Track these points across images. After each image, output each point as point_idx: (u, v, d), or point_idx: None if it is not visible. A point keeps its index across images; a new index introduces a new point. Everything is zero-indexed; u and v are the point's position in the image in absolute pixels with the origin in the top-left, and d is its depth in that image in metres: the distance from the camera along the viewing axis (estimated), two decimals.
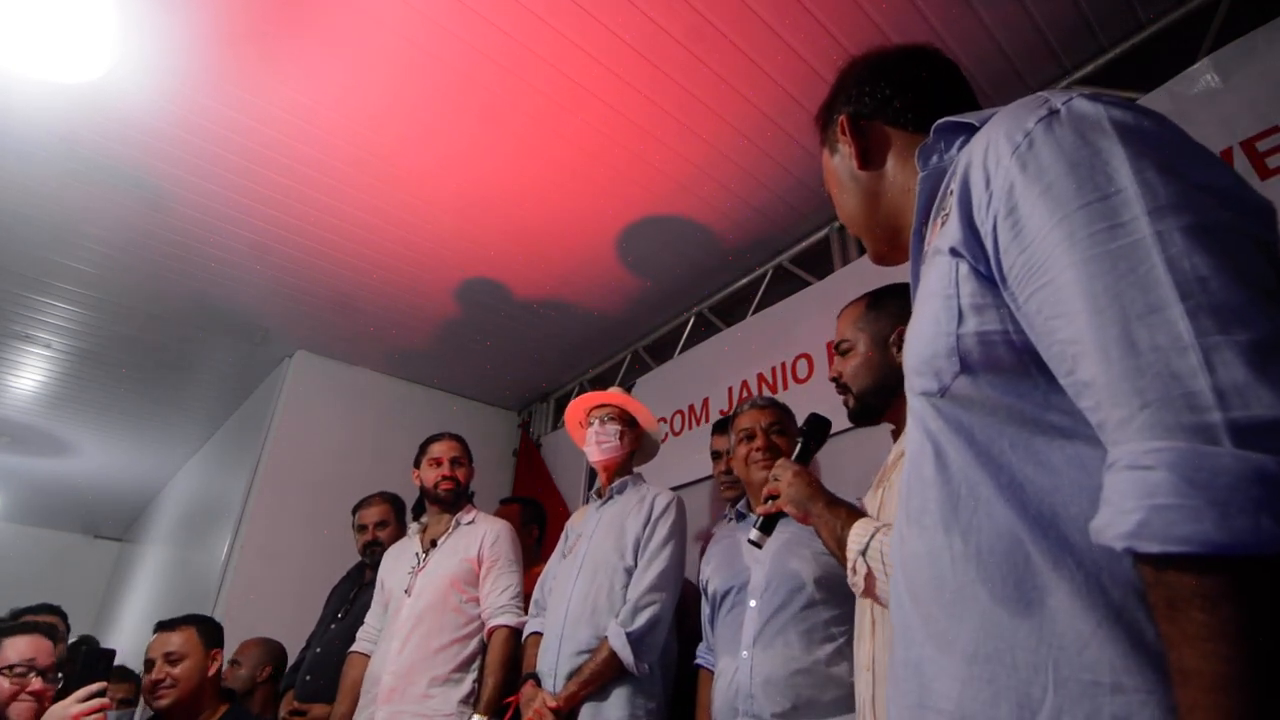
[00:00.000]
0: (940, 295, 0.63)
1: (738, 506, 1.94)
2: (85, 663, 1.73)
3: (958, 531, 0.60)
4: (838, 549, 1.21)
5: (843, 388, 1.40)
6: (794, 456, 1.41)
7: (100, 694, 1.64)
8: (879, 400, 1.30)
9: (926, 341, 0.65)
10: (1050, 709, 0.51)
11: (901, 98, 0.83)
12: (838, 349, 1.43)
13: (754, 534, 1.37)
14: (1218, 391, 0.42)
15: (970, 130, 0.68)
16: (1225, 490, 0.40)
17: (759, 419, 1.86)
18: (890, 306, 1.35)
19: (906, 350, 0.71)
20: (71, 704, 1.60)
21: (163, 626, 1.94)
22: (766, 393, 2.67)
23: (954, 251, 0.62)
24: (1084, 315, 0.49)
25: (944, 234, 0.65)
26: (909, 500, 0.68)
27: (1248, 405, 0.41)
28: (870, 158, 0.84)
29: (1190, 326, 0.44)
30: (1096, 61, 2.08)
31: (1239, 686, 0.39)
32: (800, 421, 1.48)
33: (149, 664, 1.85)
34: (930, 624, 0.62)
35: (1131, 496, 0.43)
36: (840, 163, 0.89)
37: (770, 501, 1.36)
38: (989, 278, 0.60)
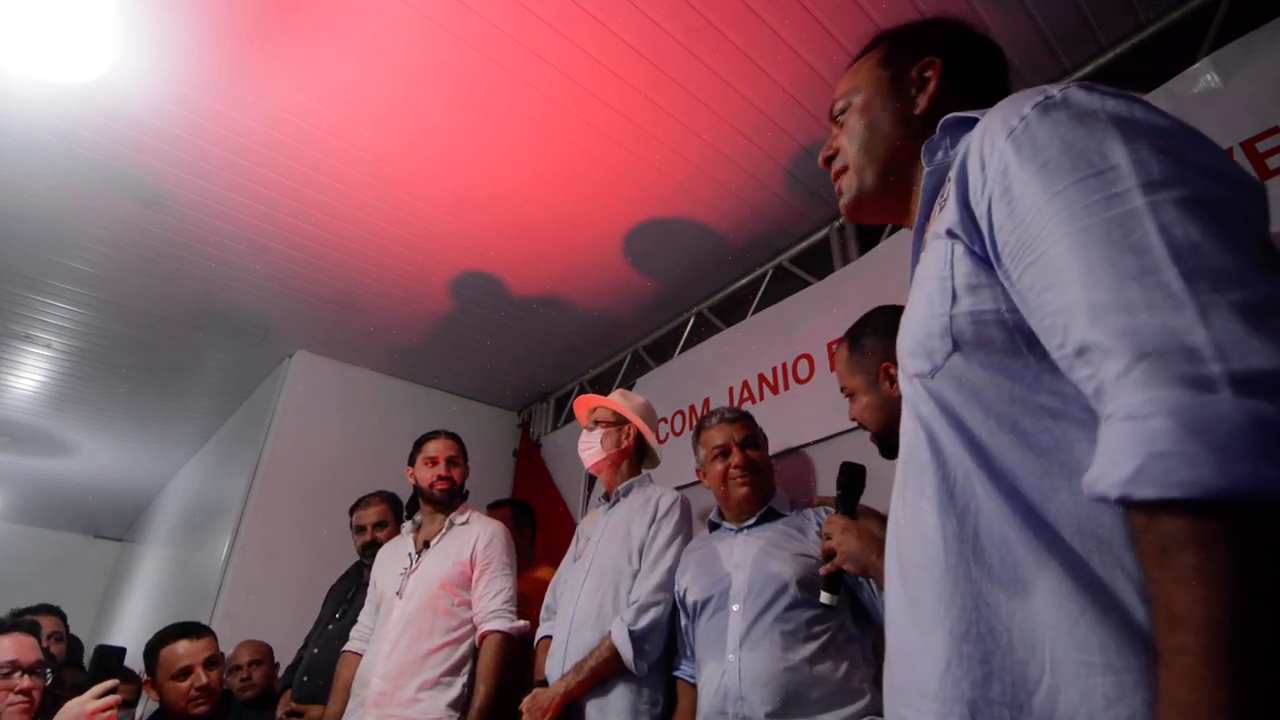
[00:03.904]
0: (935, 277, 0.64)
1: (710, 517, 1.93)
2: (98, 660, 1.76)
3: (953, 513, 0.61)
4: None
5: (863, 427, 1.43)
6: (838, 509, 1.45)
7: (113, 690, 1.67)
8: (892, 434, 1.33)
9: (921, 323, 0.65)
10: (1047, 688, 0.51)
11: (983, 85, 0.82)
12: (843, 392, 1.45)
13: (825, 597, 1.40)
14: (1216, 344, 0.42)
15: (974, 125, 0.69)
16: (1224, 436, 0.40)
17: (732, 433, 1.86)
18: (868, 345, 1.41)
19: (901, 336, 0.72)
20: (88, 700, 1.64)
21: (190, 632, 1.94)
22: (767, 393, 2.67)
23: (950, 234, 0.63)
24: (1078, 282, 0.50)
25: (942, 218, 0.66)
26: (905, 488, 0.69)
27: (1246, 358, 0.41)
28: (933, 112, 0.81)
29: (1186, 286, 0.44)
30: (1096, 61, 2.08)
31: (1229, 628, 0.39)
32: (837, 474, 1.50)
33: (185, 671, 1.85)
34: (918, 607, 0.63)
35: (1129, 445, 0.43)
36: (893, 91, 0.85)
37: (830, 560, 1.39)
38: (984, 258, 0.60)
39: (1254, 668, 0.38)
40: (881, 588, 1.30)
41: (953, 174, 0.65)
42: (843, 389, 1.46)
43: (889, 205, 0.87)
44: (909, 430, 0.70)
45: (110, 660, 1.76)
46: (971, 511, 0.59)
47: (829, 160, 0.92)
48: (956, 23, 0.89)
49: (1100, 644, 0.49)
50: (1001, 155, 0.58)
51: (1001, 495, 0.57)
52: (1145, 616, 0.48)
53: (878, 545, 1.34)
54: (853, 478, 1.47)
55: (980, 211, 0.60)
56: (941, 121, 0.73)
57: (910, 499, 0.68)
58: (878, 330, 1.39)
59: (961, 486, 0.61)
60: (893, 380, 1.33)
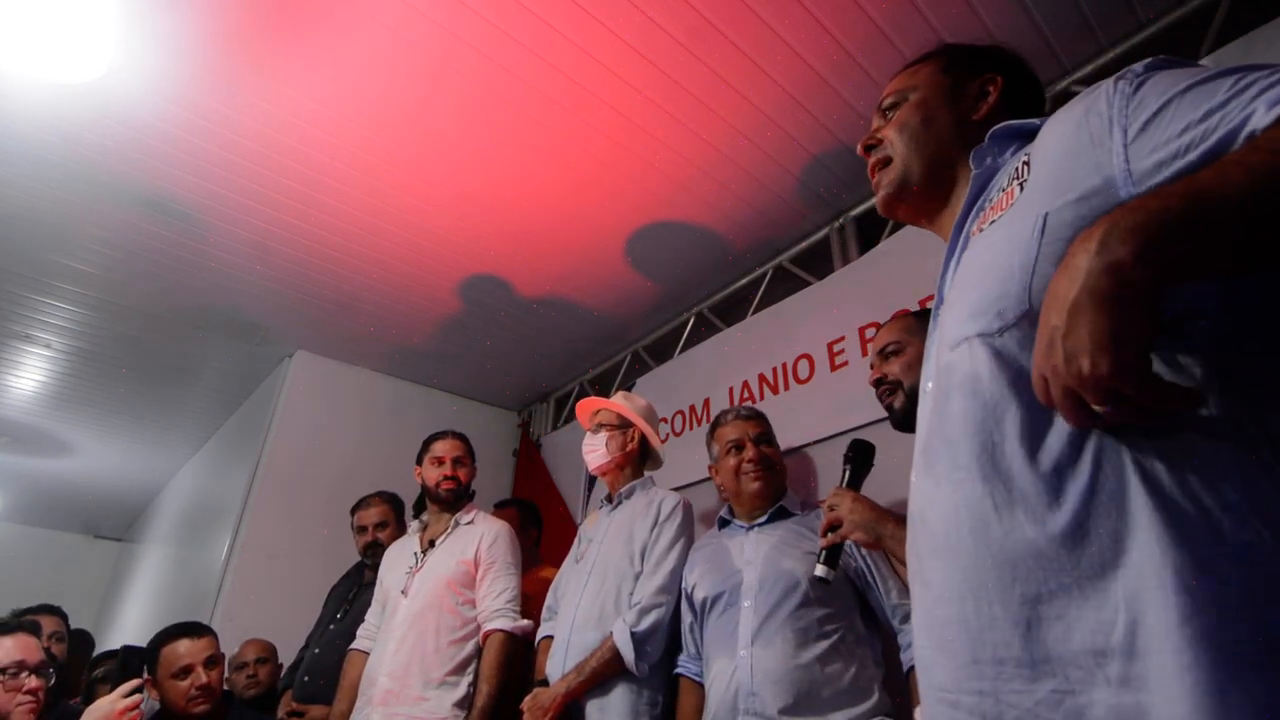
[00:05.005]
0: (1016, 251, 0.67)
1: (720, 514, 1.94)
2: (124, 660, 1.83)
3: (999, 479, 0.63)
4: None
5: (890, 387, 1.42)
6: (844, 484, 1.44)
7: (138, 689, 1.73)
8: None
9: (995, 284, 0.68)
10: (1124, 626, 0.54)
11: (1027, 111, 0.89)
12: (883, 353, 1.45)
13: (820, 569, 1.41)
14: None
15: (1026, 134, 0.76)
16: None
17: (747, 429, 1.87)
18: None
19: (955, 303, 0.75)
20: (117, 699, 1.69)
21: (191, 631, 1.96)
22: (767, 393, 2.67)
23: (1036, 209, 0.67)
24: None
25: (1023, 201, 0.71)
26: (934, 464, 0.71)
27: None
28: (986, 121, 0.88)
29: None
30: (1096, 61, 2.08)
31: None
32: (845, 451, 1.52)
33: (185, 670, 1.86)
34: (972, 576, 0.64)
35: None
36: (952, 96, 0.92)
37: (831, 532, 1.39)
38: (1076, 221, 0.63)
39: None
40: (900, 559, 1.29)
41: (1027, 160, 0.72)
42: (887, 346, 1.44)
43: (925, 202, 0.92)
44: (937, 406, 0.72)
45: (135, 661, 1.82)
46: (1016, 475, 0.62)
47: (869, 149, 0.97)
48: (1014, 53, 0.98)
49: (1175, 568, 0.52)
50: (1140, 96, 0.64)
51: (1059, 453, 0.59)
52: (1215, 547, 0.52)
53: (891, 517, 1.33)
54: (861, 453, 1.48)
55: (1111, 148, 0.64)
56: (991, 131, 0.81)
57: (943, 474, 0.69)
58: None
59: (1003, 451, 0.63)
60: None
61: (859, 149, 0.99)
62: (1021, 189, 0.71)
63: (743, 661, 1.55)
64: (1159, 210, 0.53)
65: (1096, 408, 0.54)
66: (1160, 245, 0.51)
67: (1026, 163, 0.73)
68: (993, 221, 0.74)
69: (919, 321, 1.43)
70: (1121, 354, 0.51)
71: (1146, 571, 0.53)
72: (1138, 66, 0.67)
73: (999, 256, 0.69)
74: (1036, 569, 0.59)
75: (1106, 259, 0.52)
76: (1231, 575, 0.51)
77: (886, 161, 0.93)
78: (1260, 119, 0.55)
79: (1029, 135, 0.77)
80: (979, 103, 0.91)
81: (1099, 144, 0.65)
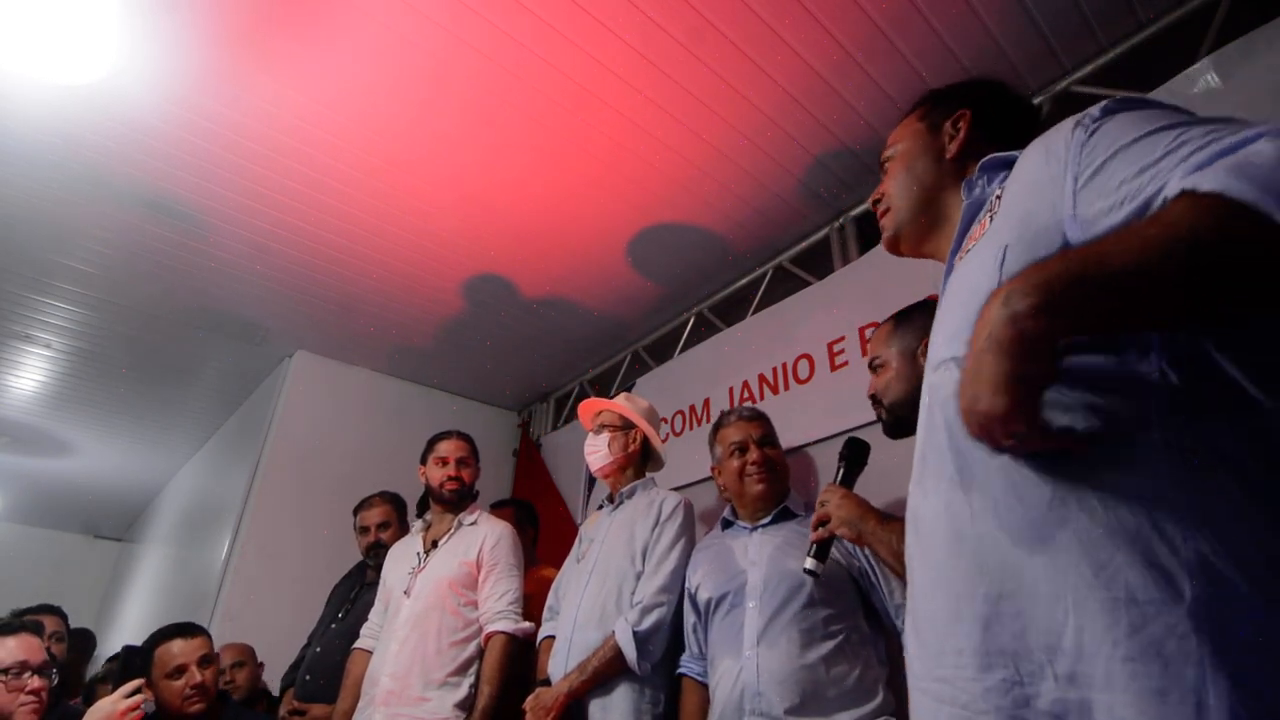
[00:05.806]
0: (985, 276, 0.73)
1: (723, 514, 1.94)
2: (125, 661, 1.80)
3: (975, 489, 0.68)
4: (897, 563, 1.25)
5: (877, 403, 1.44)
6: (837, 481, 1.46)
7: (139, 690, 1.74)
8: (909, 410, 1.33)
9: (967, 310, 0.73)
10: (1073, 627, 0.59)
11: (1010, 133, 0.95)
12: (871, 366, 1.46)
13: (810, 563, 1.44)
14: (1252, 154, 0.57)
15: (1011, 164, 0.81)
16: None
17: (750, 431, 1.87)
18: (916, 321, 1.41)
19: (939, 327, 0.80)
20: (119, 699, 1.70)
21: (185, 631, 1.96)
22: (767, 393, 2.67)
23: (999, 240, 0.73)
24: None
25: (990, 231, 0.77)
26: (924, 479, 0.77)
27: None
28: (963, 155, 0.97)
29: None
30: (1096, 61, 2.08)
31: (1200, 242, 0.53)
32: (840, 449, 1.54)
33: (179, 670, 1.87)
34: (947, 576, 0.69)
35: (1223, 170, 0.56)
36: (930, 141, 1.01)
37: (821, 528, 1.42)
38: (1035, 246, 0.69)
39: (1165, 270, 0.54)
40: (880, 556, 1.31)
41: (998, 193, 0.77)
42: (873, 360, 1.46)
43: (924, 239, 1.00)
44: (927, 420, 0.77)
45: (137, 661, 1.83)
46: (990, 485, 0.67)
47: (876, 203, 1.06)
48: (989, 81, 1.06)
49: (1126, 582, 0.56)
50: (1093, 142, 0.69)
51: (1027, 464, 0.64)
52: (1167, 555, 0.55)
53: (875, 514, 1.36)
54: (855, 451, 1.51)
55: (1064, 190, 0.69)
56: (981, 162, 0.86)
57: (930, 487, 0.74)
58: (928, 312, 1.39)
59: (981, 464, 0.68)
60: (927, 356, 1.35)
61: (869, 204, 1.11)
62: (992, 220, 0.78)
63: (748, 662, 1.56)
64: (1059, 271, 0.58)
65: (1003, 442, 0.60)
66: (1056, 302, 0.56)
67: (999, 195, 0.80)
68: (969, 251, 0.81)
69: (897, 326, 1.44)
70: (1016, 397, 0.57)
71: (1094, 581, 0.58)
72: (1094, 110, 0.72)
73: (969, 283, 0.76)
74: (999, 570, 0.64)
75: (1008, 311, 0.58)
76: (1182, 586, 0.54)
77: (889, 210, 1.03)
78: (1172, 188, 0.59)
79: (1013, 165, 0.82)
80: (951, 142, 0.99)
81: (1054, 183, 0.70)
